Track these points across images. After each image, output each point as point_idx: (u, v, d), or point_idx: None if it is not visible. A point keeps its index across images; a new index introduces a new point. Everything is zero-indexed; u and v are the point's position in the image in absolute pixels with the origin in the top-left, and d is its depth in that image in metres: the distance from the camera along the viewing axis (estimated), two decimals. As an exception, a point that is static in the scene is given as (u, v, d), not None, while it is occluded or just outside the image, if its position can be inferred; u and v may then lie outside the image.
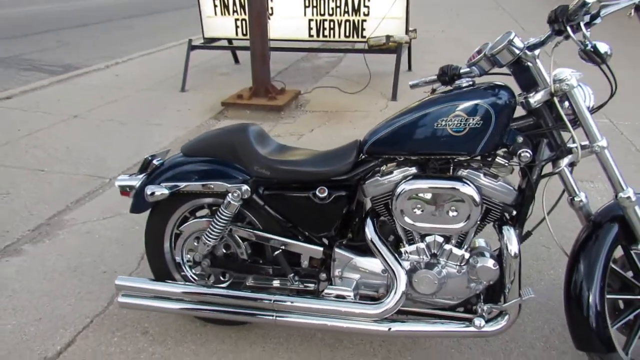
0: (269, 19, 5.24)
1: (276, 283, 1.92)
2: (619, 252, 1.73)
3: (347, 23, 5.57)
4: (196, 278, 2.03)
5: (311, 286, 1.89)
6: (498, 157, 1.67)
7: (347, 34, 5.62)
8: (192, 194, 1.91)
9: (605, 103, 1.63)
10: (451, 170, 1.68)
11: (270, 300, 1.80)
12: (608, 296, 1.70)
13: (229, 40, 6.16)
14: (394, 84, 5.25)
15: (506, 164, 1.67)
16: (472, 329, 1.71)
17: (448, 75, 1.76)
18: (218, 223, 1.84)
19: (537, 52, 1.60)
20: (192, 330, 2.07)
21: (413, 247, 1.75)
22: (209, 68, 6.63)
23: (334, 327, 1.78)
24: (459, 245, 1.74)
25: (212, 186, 1.84)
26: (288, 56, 6.86)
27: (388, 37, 5.39)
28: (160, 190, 1.84)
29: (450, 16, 10.85)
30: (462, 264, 1.72)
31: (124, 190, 1.95)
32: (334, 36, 5.66)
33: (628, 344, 1.69)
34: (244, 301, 1.84)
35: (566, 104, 1.61)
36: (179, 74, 5.78)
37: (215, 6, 5.82)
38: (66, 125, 4.55)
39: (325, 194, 1.76)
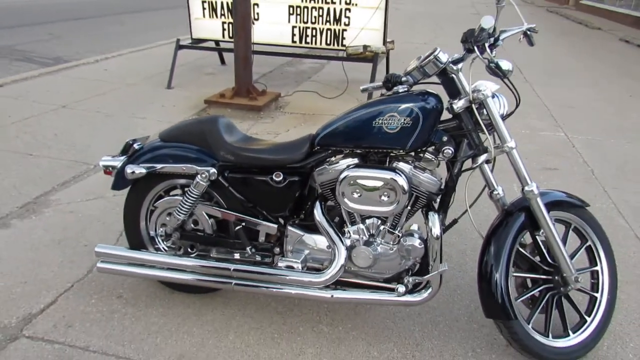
0: (254, 23, 5.53)
1: (237, 255, 2.21)
2: (529, 238, 2.05)
3: (329, 32, 5.89)
4: (167, 250, 2.31)
5: (267, 259, 2.18)
6: (427, 153, 1.98)
7: (328, 42, 5.94)
8: (167, 175, 2.19)
9: (512, 112, 1.95)
10: (387, 162, 1.99)
11: (230, 268, 2.09)
12: (516, 274, 2.02)
13: (216, 42, 6.45)
14: (370, 92, 5.54)
15: (433, 159, 1.98)
16: (401, 298, 2.01)
17: (391, 82, 2.07)
18: (188, 200, 2.13)
19: (460, 65, 1.92)
20: (161, 297, 2.34)
21: (354, 228, 2.05)
22: (195, 67, 6.90)
23: (283, 294, 2.07)
24: (394, 227, 2.04)
25: (184, 168, 2.12)
26: (273, 60, 7.16)
27: (365, 46, 5.72)
28: (138, 170, 2.13)
29: (433, 30, 11.26)
30: (394, 243, 2.02)
31: (107, 170, 2.23)
32: (315, 43, 5.97)
33: (530, 315, 2.01)
34: (207, 269, 2.12)
35: (485, 110, 1.94)
36: (167, 72, 6.03)
37: (203, 9, 6.11)
38: (55, 114, 4.79)
39: (281, 178, 2.05)
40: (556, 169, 3.97)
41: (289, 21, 5.92)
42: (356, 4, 5.71)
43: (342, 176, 1.94)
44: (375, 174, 1.91)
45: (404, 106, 1.89)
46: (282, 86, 6.14)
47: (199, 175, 2.09)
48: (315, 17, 5.85)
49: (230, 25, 6.05)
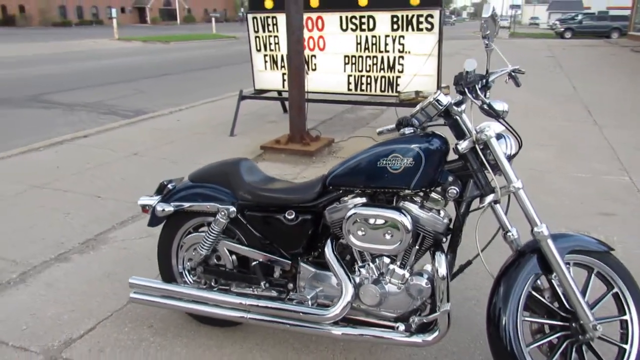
0: (308, 73, 5.82)
1: (256, 290, 2.30)
2: (547, 283, 1.98)
3: (383, 79, 6.04)
4: (192, 283, 2.46)
5: (282, 294, 2.26)
6: (433, 193, 2.01)
7: (383, 89, 6.08)
8: (195, 213, 2.37)
9: (516, 154, 1.94)
10: (395, 202, 2.04)
11: (244, 302, 2.19)
12: (529, 319, 1.94)
13: (279, 92, 6.82)
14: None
15: (440, 199, 2.00)
16: (410, 338, 2.00)
17: (403, 124, 2.14)
18: (209, 236, 2.28)
19: (463, 107, 1.96)
20: (188, 328, 2.47)
21: (364, 265, 2.09)
22: (259, 116, 7.30)
23: (294, 329, 2.12)
24: (403, 266, 2.05)
25: (208, 207, 2.29)
26: (334, 107, 7.42)
27: (417, 92, 5.77)
28: (168, 208, 2.32)
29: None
30: (402, 282, 2.03)
31: (144, 208, 2.45)
32: (370, 90, 6.14)
33: (548, 363, 1.92)
34: (225, 302, 2.23)
35: (490, 151, 1.95)
36: (232, 121, 6.43)
37: (265, 61, 6.53)
38: (126, 160, 5.26)
39: (293, 216, 2.15)
40: (614, 215, 3.74)
41: (344, 70, 6.16)
42: (409, 52, 5.84)
43: (348, 214, 2.01)
44: (379, 212, 1.96)
45: (406, 147, 1.95)
46: (340, 132, 6.33)
47: (219, 213, 2.24)
48: (369, 65, 6.05)
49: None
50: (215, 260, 2.39)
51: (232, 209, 2.24)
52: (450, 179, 1.97)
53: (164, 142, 5.95)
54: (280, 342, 2.36)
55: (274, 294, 2.27)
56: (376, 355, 2.27)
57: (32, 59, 16.00)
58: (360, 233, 2.00)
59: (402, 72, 5.93)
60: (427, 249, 2.04)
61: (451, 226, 2.01)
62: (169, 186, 2.45)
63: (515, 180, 1.90)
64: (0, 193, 4.29)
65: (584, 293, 1.98)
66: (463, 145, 1.94)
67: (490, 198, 1.94)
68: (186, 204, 2.34)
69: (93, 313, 2.62)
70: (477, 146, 1.93)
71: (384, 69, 6.00)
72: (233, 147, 5.77)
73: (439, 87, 6.01)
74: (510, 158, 1.94)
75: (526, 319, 1.93)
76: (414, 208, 1.99)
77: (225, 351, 2.31)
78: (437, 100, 1.91)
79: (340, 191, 2.11)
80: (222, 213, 2.24)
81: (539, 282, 1.97)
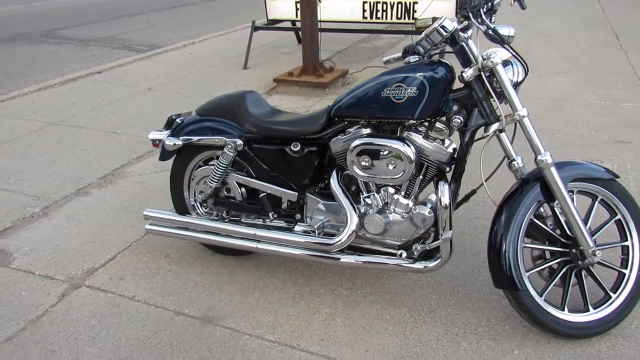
0: (320, 1, 5.62)
1: (265, 221, 2.37)
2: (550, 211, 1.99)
3: (399, 5, 5.82)
4: (204, 215, 2.54)
5: (290, 225, 2.33)
6: (438, 122, 2.00)
7: (399, 16, 5.87)
8: (204, 147, 2.40)
9: (522, 81, 1.90)
10: (399, 132, 2.03)
11: (254, 232, 2.26)
12: (529, 246, 1.98)
13: (292, 22, 6.63)
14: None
15: (444, 129, 1.99)
16: (412, 265, 2.06)
17: (409, 52, 2.09)
18: (218, 169, 2.33)
19: (469, 33, 1.90)
20: (202, 257, 2.58)
21: (369, 196, 2.13)
22: (273, 48, 7.16)
23: (300, 257, 2.20)
24: (407, 196, 2.08)
25: (216, 140, 2.32)
26: (349, 37, 7.21)
27: (434, 18, 5.58)
28: (176, 142, 2.36)
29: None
30: (406, 211, 2.06)
31: (154, 142, 2.49)
32: (386, 18, 5.93)
33: (544, 287, 1.97)
34: (235, 232, 2.31)
35: (496, 78, 1.91)
36: (245, 53, 6.33)
37: (277, -10, 6.31)
38: (140, 96, 5.28)
39: (298, 148, 2.17)
40: (629, 142, 3.67)
41: (359, -3, 5.93)
42: (426, -25, 5.57)
43: (352, 145, 2.02)
44: (383, 143, 1.97)
45: (410, 76, 1.92)
46: (355, 63, 6.20)
47: (226, 146, 2.28)
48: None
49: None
50: (225, 192, 2.45)
51: (239, 142, 2.27)
52: (455, 108, 1.94)
53: (177, 77, 5.93)
54: (290, 270, 2.45)
55: (282, 224, 2.34)
56: (382, 281, 2.35)
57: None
58: (364, 164, 2.01)
59: (419, -4, 5.70)
60: (431, 179, 2.05)
61: (455, 156, 2.01)
62: (178, 120, 2.47)
63: (521, 108, 1.88)
64: (18, 131, 4.39)
65: (586, 220, 2.00)
66: (468, 72, 1.90)
67: (494, 127, 1.93)
68: (195, 138, 2.37)
69: (113, 244, 2.74)
70: (482, 73, 1.89)
71: (401, -7, 5.77)
72: (246, 80, 5.72)
73: (457, 14, 5.80)
74: (516, 85, 1.90)
75: (527, 245, 1.97)
76: (418, 138, 1.99)
77: (237, 278, 2.42)
78: (443, 27, 1.86)
79: (345, 122, 2.11)
80: (229, 146, 2.27)
81: (541, 209, 1.98)
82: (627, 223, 2.02)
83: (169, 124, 2.48)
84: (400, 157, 1.94)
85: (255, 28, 6.27)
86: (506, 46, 1.84)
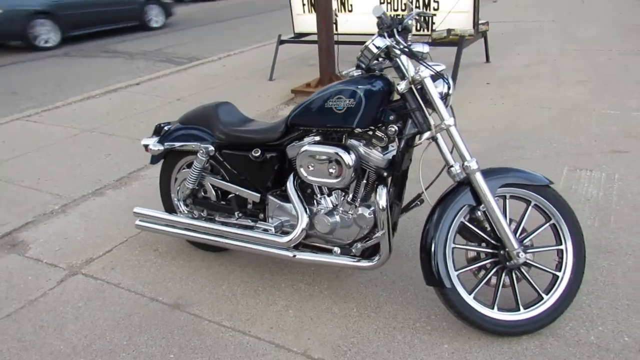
0: (337, 16, 5.84)
1: (233, 220, 2.61)
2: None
3: (419, 17, 5.93)
4: (186, 213, 2.81)
5: (256, 223, 2.55)
6: (378, 131, 2.16)
7: (418, 29, 5.98)
8: (185, 152, 2.68)
9: (448, 93, 2.04)
10: (343, 140, 2.22)
11: (222, 229, 2.50)
12: (458, 246, 2.10)
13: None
14: (453, 75, 5.53)
15: (383, 137, 2.16)
16: (357, 263, 2.23)
17: (357, 67, 2.28)
18: (193, 172, 2.59)
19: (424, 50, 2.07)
20: (186, 252, 2.85)
21: (321, 198, 2.32)
22: (300, 60, 7.45)
23: (259, 252, 2.41)
24: (354, 199, 2.26)
25: (193, 146, 2.59)
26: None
27: (449, 30, 5.64)
28: (158, 147, 2.66)
29: (573, 5, 10.34)
30: (351, 213, 2.24)
31: (146, 148, 2.79)
32: (405, 30, 6.06)
33: (475, 286, 2.08)
34: (206, 229, 2.57)
35: (439, 89, 2.06)
36: (275, 65, 6.63)
37: (303, 5, 6.59)
38: (170, 106, 5.69)
39: (259, 154, 2.40)
40: (626, 152, 3.64)
41: (379, 10, 6.09)
42: (444, -12, 5.68)
43: (300, 151, 2.22)
44: (324, 149, 2.16)
45: (348, 89, 2.11)
46: (376, 74, 6.35)
47: (199, 152, 2.54)
48: (405, 4, 5.95)
49: (335, 18, 6.45)
50: (202, 193, 2.72)
51: (211, 148, 2.52)
52: (392, 117, 2.10)
53: (207, 88, 6.32)
54: (260, 266, 2.68)
55: (249, 223, 2.56)
56: (340, 279, 2.53)
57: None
58: (310, 168, 2.21)
59: (437, 9, 5.80)
60: (374, 183, 2.22)
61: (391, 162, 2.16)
62: (165, 128, 2.77)
63: (448, 117, 2.01)
64: (56, 137, 4.89)
65: (519, 224, 2.11)
66: (402, 85, 2.06)
67: (426, 135, 2.07)
68: (176, 144, 2.65)
69: (113, 238, 3.07)
70: (412, 86, 2.04)
71: (419, 7, 5.89)
72: (269, 91, 6.02)
73: (475, 25, 5.85)
74: (444, 97, 2.05)
75: (457, 245, 2.09)
76: (359, 145, 2.16)
77: (212, 271, 2.67)
78: (370, 47, 2.03)
79: (301, 130, 2.32)
80: (202, 151, 2.53)
81: (478, 213, 2.10)
82: (561, 228, 2.10)
83: (157, 131, 2.78)
84: (339, 163, 2.12)
85: (281, 42, 6.57)
86: (422, 62, 1.99)
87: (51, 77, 7.72)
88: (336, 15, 5.83)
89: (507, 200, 2.11)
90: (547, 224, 2.12)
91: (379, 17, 1.96)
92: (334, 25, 6.38)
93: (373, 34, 1.95)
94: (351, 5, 6.28)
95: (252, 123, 2.57)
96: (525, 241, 2.11)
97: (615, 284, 2.34)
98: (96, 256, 2.89)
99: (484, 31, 6.05)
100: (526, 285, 2.10)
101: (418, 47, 2.01)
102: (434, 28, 5.80)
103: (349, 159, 2.11)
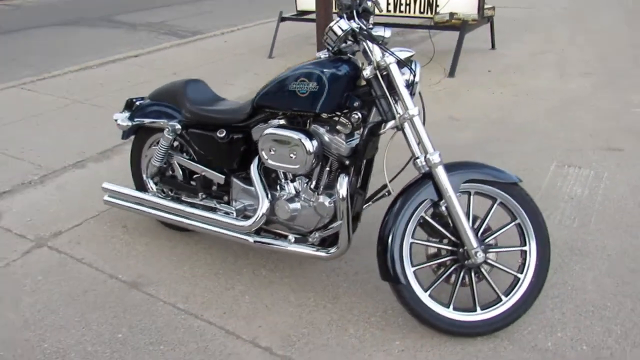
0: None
1: (199, 200, 2.56)
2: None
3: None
4: (155, 191, 2.76)
5: (220, 205, 2.50)
6: (342, 117, 2.08)
7: (422, 10, 5.82)
8: (155, 129, 2.62)
9: (414, 82, 1.94)
10: (308, 125, 2.14)
11: (185, 209, 2.45)
12: (418, 242, 2.03)
13: (324, 13, 6.73)
14: (453, 61, 5.38)
15: (347, 123, 2.07)
16: (316, 252, 2.17)
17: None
18: (159, 150, 2.54)
19: (376, 34, 1.96)
20: (154, 230, 2.81)
21: (284, 183, 2.25)
22: (303, 38, 7.29)
23: (219, 234, 2.35)
24: (316, 186, 2.19)
25: (161, 123, 2.53)
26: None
27: (452, 14, 5.52)
28: (126, 122, 2.60)
29: None
30: (312, 201, 2.17)
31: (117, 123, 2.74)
32: (409, 12, 5.90)
33: (431, 283, 2.02)
34: (169, 208, 2.52)
35: (405, 76, 1.97)
36: (277, 42, 6.51)
37: (306, -18, 6.43)
38: (165, 79, 5.50)
39: (224, 134, 2.33)
40: (620, 150, 3.51)
41: (384, -10, 5.94)
42: (450, -31, 5.49)
43: (263, 133, 2.15)
44: (285, 133, 2.08)
45: (312, 72, 2.02)
46: (378, 56, 6.22)
47: (166, 129, 2.48)
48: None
49: (334, -3, 6.30)
50: (170, 171, 2.66)
51: (178, 126, 2.46)
52: (357, 104, 2.02)
53: (204, 63, 6.24)
54: (225, 248, 2.63)
55: (213, 205, 2.51)
56: (303, 267, 2.47)
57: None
58: (271, 152, 2.14)
59: (442, -9, 5.62)
60: (336, 171, 2.14)
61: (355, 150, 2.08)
62: (137, 103, 2.70)
63: (412, 107, 1.92)
64: (47, 106, 4.85)
65: (482, 222, 2.03)
66: (367, 70, 1.97)
67: (390, 124, 1.98)
68: (145, 120, 2.60)
69: (85, 212, 3.04)
70: (378, 72, 1.95)
71: (423, -12, 5.72)
72: (267, 69, 5.91)
73: (480, 9, 5.67)
74: (410, 85, 1.95)
75: (416, 241, 2.01)
76: (322, 131, 2.08)
77: (175, 251, 2.63)
78: (334, 28, 1.94)
79: (267, 113, 2.24)
80: (168, 129, 2.47)
81: (442, 208, 2.01)
82: (526, 228, 2.02)
83: (129, 106, 2.72)
84: (300, 149, 2.05)
85: (282, 19, 6.44)
86: (382, 46, 1.89)
87: (52, 45, 7.68)
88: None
89: (472, 197, 2.02)
90: (512, 223, 2.04)
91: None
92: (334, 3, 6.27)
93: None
94: (356, -16, 6.11)
95: (221, 102, 2.50)
96: (488, 240, 2.04)
97: (584, 289, 2.26)
98: (65, 229, 2.87)
99: (489, 16, 5.86)
100: (488, 285, 2.03)
101: (379, 31, 1.91)
102: (437, 11, 5.63)
103: (310, 145, 2.03)
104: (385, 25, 2.06)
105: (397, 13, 5.98)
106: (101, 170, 3.59)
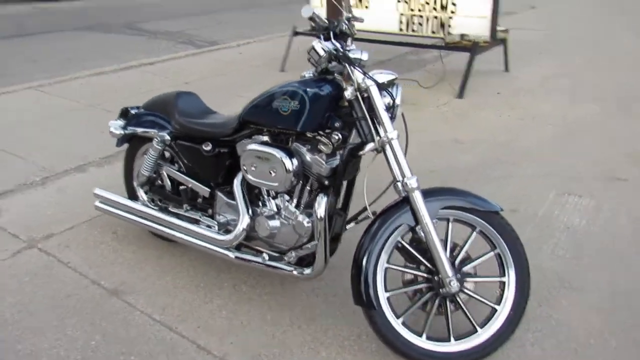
0: (350, 12, 5.70)
1: (183, 211, 2.57)
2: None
3: (435, 19, 5.76)
4: (145, 200, 2.78)
5: (204, 218, 2.50)
6: (323, 137, 2.06)
7: (434, 31, 5.80)
8: (147, 138, 2.65)
9: (394, 105, 1.93)
10: (290, 143, 2.14)
11: (169, 220, 2.47)
12: (393, 267, 1.99)
13: (339, 29, 6.76)
14: (462, 82, 5.34)
15: (328, 143, 2.06)
16: (293, 271, 2.16)
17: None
18: (148, 159, 2.56)
19: (354, 55, 1.96)
20: (142, 239, 2.82)
21: (266, 200, 2.25)
22: (317, 52, 7.33)
23: (200, 247, 2.36)
24: (297, 205, 2.17)
25: (151, 133, 2.56)
26: (396, 49, 7.14)
27: (462, 35, 5.49)
28: (118, 131, 2.63)
29: (618, 14, 9.93)
30: (292, 219, 2.16)
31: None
32: (421, 31, 5.89)
33: (405, 310, 1.98)
34: (155, 218, 2.53)
35: (387, 99, 1.96)
36: (290, 56, 6.55)
37: (321, -3, 6.49)
38: (174, 88, 5.63)
39: (210, 147, 2.34)
40: (625, 180, 3.43)
41: (397, 9, 5.95)
42: (464, -10, 5.47)
43: (245, 149, 2.16)
44: (267, 149, 2.08)
45: (293, 90, 2.03)
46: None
47: (154, 139, 2.50)
48: (422, 4, 5.77)
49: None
50: (159, 181, 2.68)
51: (167, 137, 2.48)
52: (338, 124, 2.01)
53: (217, 74, 6.31)
54: (209, 262, 2.62)
55: (198, 217, 2.51)
56: (284, 285, 2.45)
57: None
58: (252, 168, 2.14)
59: (454, 12, 5.60)
60: (316, 190, 2.13)
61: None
62: (132, 112, 2.74)
63: (390, 130, 1.91)
64: (58, 110, 4.95)
65: (460, 249, 1.99)
66: (348, 92, 1.96)
67: (369, 147, 1.97)
68: (138, 129, 2.63)
69: (78, 216, 3.07)
70: (358, 94, 1.94)
71: (436, 8, 5.70)
72: (277, 82, 5.89)
73: (492, 31, 5.63)
74: (390, 108, 1.94)
75: (391, 266, 1.98)
76: (303, 150, 2.08)
77: (161, 261, 2.64)
78: (317, 48, 1.94)
79: (252, 128, 2.25)
80: (157, 139, 2.49)
81: (421, 233, 1.98)
82: (505, 258, 1.97)
83: (124, 114, 2.76)
84: (280, 166, 2.04)
85: (295, 33, 6.49)
86: (357, 68, 1.89)
87: (72, 49, 7.86)
88: (348, 11, 5.69)
89: (451, 224, 1.99)
90: (492, 252, 2.00)
91: (310, 19, 1.86)
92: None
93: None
94: (368, 2, 6.14)
95: (211, 116, 2.52)
96: (466, 268, 2.00)
97: (568, 325, 2.19)
98: (57, 232, 2.91)
99: (502, 38, 5.81)
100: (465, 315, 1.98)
101: (356, 54, 1.90)
102: (449, 32, 5.61)
103: (289, 163, 2.03)
104: (397, 43, 2.05)
105: (410, 32, 5.97)
106: (101, 176, 3.63)
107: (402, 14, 5.93)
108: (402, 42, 6.18)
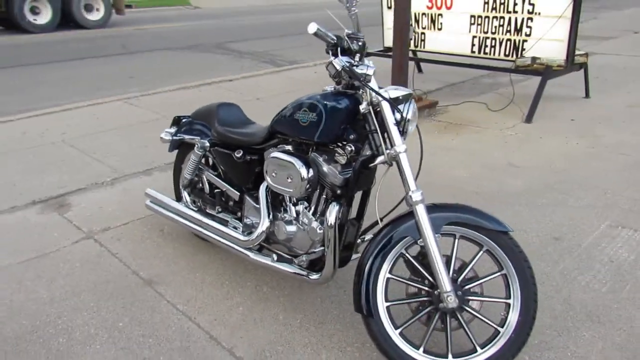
0: (416, 33, 5.76)
1: (215, 213, 2.75)
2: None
3: (508, 42, 5.63)
4: (189, 202, 3.00)
5: (234, 220, 2.66)
6: (339, 148, 2.15)
7: (507, 53, 5.68)
8: (193, 144, 2.88)
9: (403, 119, 1.97)
10: (309, 152, 2.24)
11: (199, 219, 2.66)
12: (396, 278, 2.02)
13: (414, 52, 6.82)
14: (531, 107, 5.16)
15: (342, 154, 2.14)
16: (306, 275, 2.24)
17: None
18: (191, 164, 2.78)
19: (369, 71, 2.04)
20: (184, 237, 3.05)
21: (287, 206, 2.37)
22: (385, 73, 7.38)
23: (225, 246, 2.52)
24: (315, 212, 2.27)
25: (195, 140, 2.78)
26: (470, 71, 7.05)
27: (534, 58, 5.32)
28: (167, 137, 2.89)
29: None
30: (306, 225, 2.25)
31: (165, 137, 3.05)
32: (494, 54, 5.78)
33: (404, 322, 1.99)
34: (192, 218, 2.73)
35: (397, 115, 2.02)
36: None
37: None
38: (246, 103, 5.95)
39: (241, 154, 2.51)
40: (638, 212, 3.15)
41: (469, 31, 5.90)
42: (539, 13, 5.31)
43: (269, 156, 2.30)
44: (285, 157, 2.20)
45: (313, 103, 2.14)
46: (462, 96, 6.16)
47: (196, 146, 2.72)
48: (495, 27, 5.69)
49: (424, 35, 6.38)
50: (200, 185, 2.90)
51: (206, 143, 2.69)
52: (352, 136, 2.09)
53: (288, 91, 6.58)
54: (237, 263, 2.77)
55: (228, 219, 2.68)
56: (303, 290, 2.54)
57: (243, 10, 18.16)
58: (273, 174, 2.27)
59: (529, 35, 5.44)
60: (330, 199, 2.21)
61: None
62: (183, 120, 3.00)
63: (399, 144, 1.95)
64: (138, 119, 5.45)
65: (466, 266, 1.97)
66: (363, 105, 2.04)
67: (379, 159, 2.02)
68: (185, 137, 2.87)
69: (134, 214, 3.38)
70: (370, 108, 2.01)
71: (510, 31, 5.58)
72: (344, 101, 6.09)
73: (569, 55, 5.39)
74: (399, 123, 1.99)
75: (392, 277, 2.00)
76: (320, 160, 2.17)
77: (195, 258, 2.84)
78: (334, 63, 2.03)
79: (280, 138, 2.39)
80: (198, 146, 2.71)
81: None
82: (511, 281, 1.92)
83: (176, 122, 3.02)
84: (296, 173, 2.15)
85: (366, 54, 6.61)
86: (363, 83, 1.95)
87: (165, 67, 8.56)
88: (414, 32, 5.74)
89: (457, 240, 1.98)
90: (498, 273, 1.96)
91: (315, 34, 1.96)
92: (418, 42, 6.32)
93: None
94: (441, 24, 6.14)
95: (248, 126, 2.69)
96: (472, 287, 1.97)
97: (585, 358, 2.07)
98: (113, 226, 3.22)
99: (581, 63, 5.54)
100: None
101: (362, 69, 1.97)
102: (523, 54, 5.46)
103: (304, 171, 2.13)
104: (467, 65, 2.11)
105: (482, 55, 5.88)
106: (162, 179, 3.95)
107: (474, 36, 5.87)
108: (473, 64, 6.10)
